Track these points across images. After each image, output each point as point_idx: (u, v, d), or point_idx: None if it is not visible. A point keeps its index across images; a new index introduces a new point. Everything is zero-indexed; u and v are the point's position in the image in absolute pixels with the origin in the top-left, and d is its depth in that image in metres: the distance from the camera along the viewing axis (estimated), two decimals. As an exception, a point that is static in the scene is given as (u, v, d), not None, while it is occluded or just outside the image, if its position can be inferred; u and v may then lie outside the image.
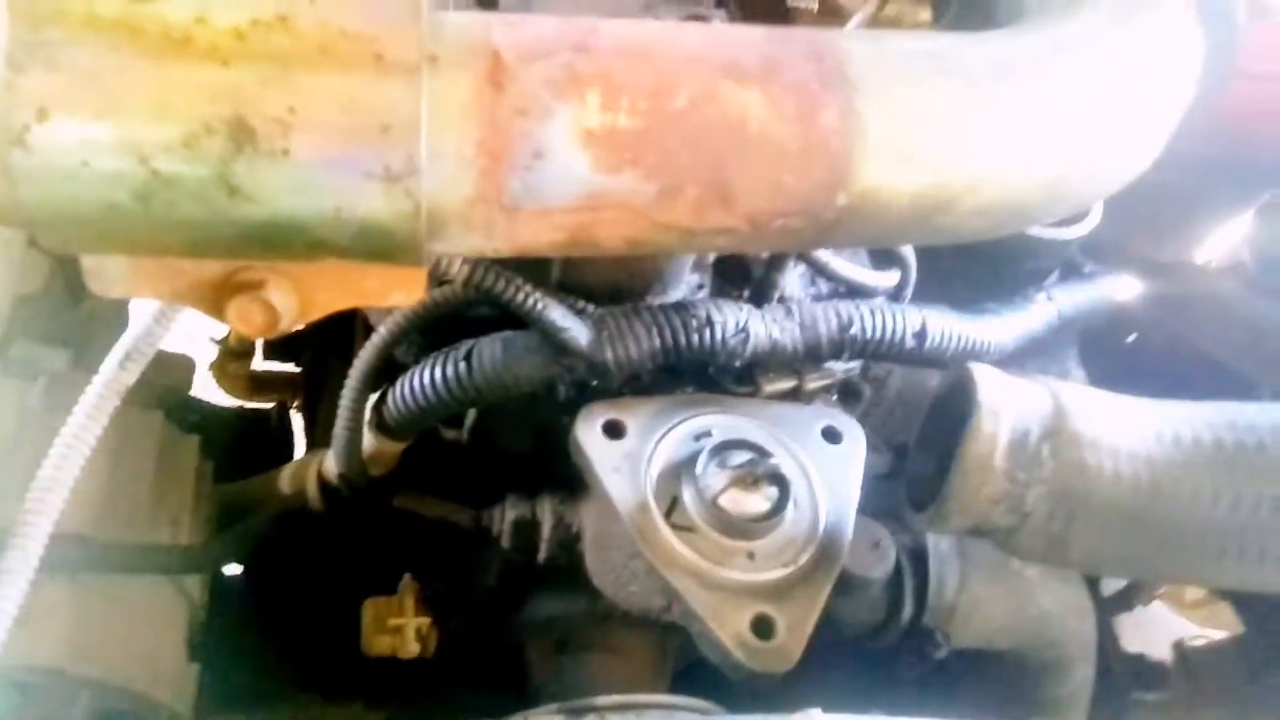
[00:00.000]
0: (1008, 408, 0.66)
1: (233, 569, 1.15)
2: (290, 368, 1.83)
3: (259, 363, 1.86)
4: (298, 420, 1.66)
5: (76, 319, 1.05)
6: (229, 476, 1.13)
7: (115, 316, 1.09)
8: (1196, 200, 1.35)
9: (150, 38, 0.46)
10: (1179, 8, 0.69)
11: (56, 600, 0.81)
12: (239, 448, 1.33)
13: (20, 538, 0.59)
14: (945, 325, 0.84)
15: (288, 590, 1.09)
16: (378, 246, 0.53)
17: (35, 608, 0.79)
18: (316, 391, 1.45)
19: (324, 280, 0.57)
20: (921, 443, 0.75)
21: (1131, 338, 1.36)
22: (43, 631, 0.78)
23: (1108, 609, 1.31)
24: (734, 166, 0.54)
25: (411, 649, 0.95)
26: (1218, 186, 1.31)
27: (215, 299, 0.56)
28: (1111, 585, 1.33)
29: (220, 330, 1.85)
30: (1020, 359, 0.98)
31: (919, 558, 0.96)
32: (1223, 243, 1.39)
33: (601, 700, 0.79)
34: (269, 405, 1.68)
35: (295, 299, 0.57)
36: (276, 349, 1.76)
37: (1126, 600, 1.32)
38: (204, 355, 1.81)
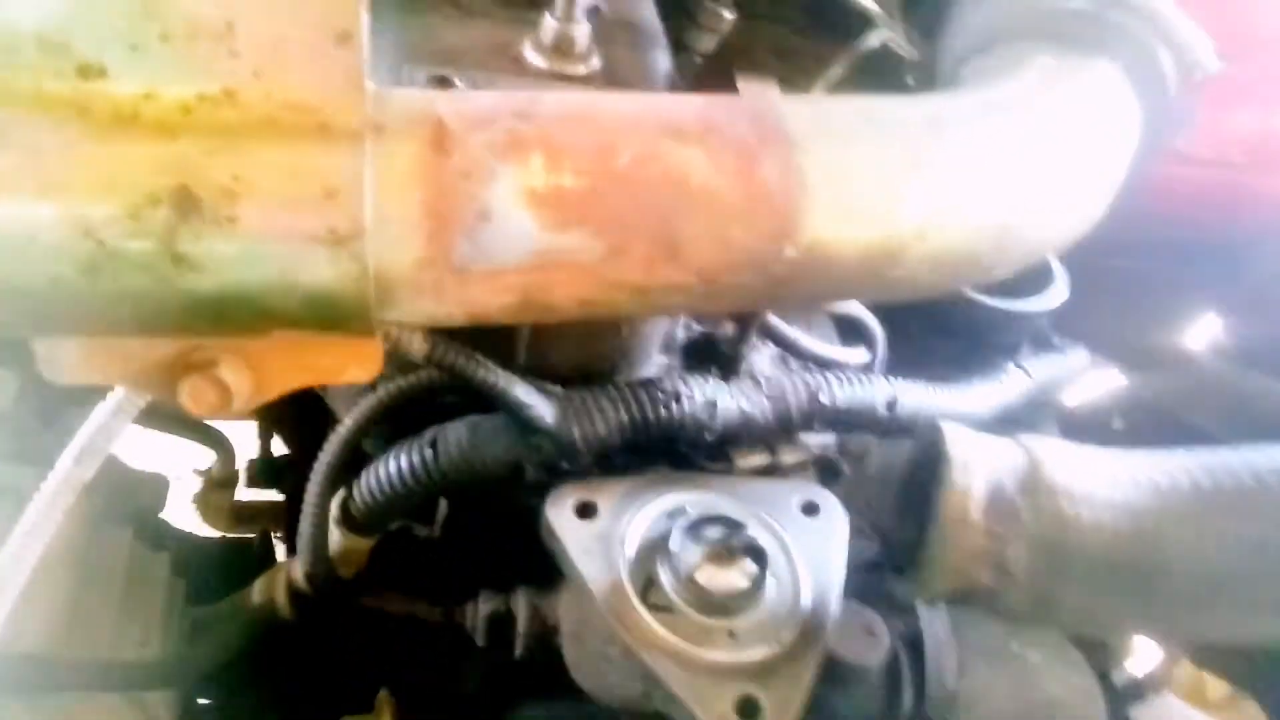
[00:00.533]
0: (979, 461, 0.65)
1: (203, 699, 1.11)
2: (275, 496, 1.81)
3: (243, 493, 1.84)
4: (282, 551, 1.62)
5: (49, 441, 1.04)
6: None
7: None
8: (1171, 285, 1.37)
9: (98, 115, 0.47)
10: (1109, 72, 0.72)
11: (9, 723, 0.77)
12: (220, 578, 1.30)
13: (-38, 641, 0.57)
14: (917, 394, 0.84)
15: (262, 713, 1.04)
16: (327, 314, 0.53)
17: (-14, 731, 0.75)
18: (298, 515, 1.42)
19: (278, 358, 0.57)
20: (901, 510, 0.73)
21: (1119, 424, 1.36)
22: (-8, 757, 0.74)
23: (1122, 700, 1.26)
24: (680, 221, 0.55)
25: (390, 769, 0.91)
26: (1189, 271, 1.33)
27: (168, 380, 0.56)
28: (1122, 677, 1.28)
29: (203, 461, 1.84)
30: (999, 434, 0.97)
31: (915, 644, 0.92)
32: (1203, 326, 1.40)
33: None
34: (251, 536, 1.65)
35: (249, 378, 0.57)
36: (259, 477, 1.75)
37: (1139, 690, 1.27)
38: (185, 488, 1.79)
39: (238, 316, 0.52)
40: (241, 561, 1.51)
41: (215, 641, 0.91)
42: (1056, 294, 1.03)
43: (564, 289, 0.56)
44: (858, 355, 0.90)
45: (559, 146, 0.54)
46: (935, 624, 0.95)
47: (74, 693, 0.82)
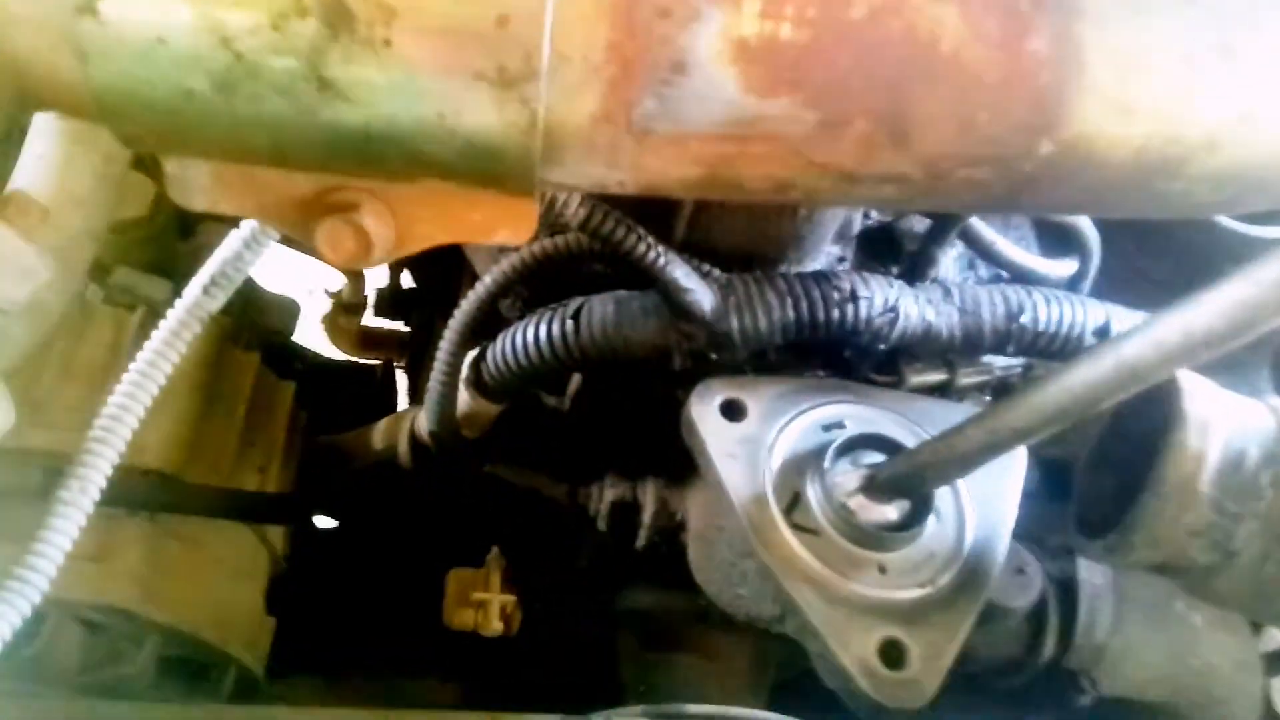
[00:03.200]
0: (1220, 423, 0.55)
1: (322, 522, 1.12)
2: (401, 327, 1.80)
3: (370, 319, 1.84)
4: (403, 381, 1.63)
5: (184, 252, 1.02)
6: (327, 429, 1.09)
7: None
8: None
9: (241, -101, 0.39)
10: None
11: (132, 539, 0.78)
12: (340, 401, 1.30)
13: (82, 467, 0.54)
14: (1133, 324, 0.72)
15: (372, 550, 1.05)
16: (486, 166, 0.45)
17: (109, 545, 0.75)
18: (422, 351, 1.41)
19: (425, 208, 0.50)
20: (1099, 457, 0.63)
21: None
22: (114, 570, 0.75)
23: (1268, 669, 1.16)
24: (916, 96, 0.44)
25: (495, 627, 0.89)
26: None
27: (303, 220, 0.50)
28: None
29: (335, 283, 1.84)
30: (1206, 373, 0.84)
31: (1068, 590, 0.84)
32: None
33: (692, 708, 0.71)
34: (376, 362, 1.66)
35: (391, 227, 0.50)
36: (386, 307, 1.74)
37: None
38: (314, 308, 1.80)
39: (385, 159, 0.45)
40: (363, 388, 1.52)
41: (336, 481, 0.89)
42: (1309, 221, 0.87)
43: (759, 166, 0.47)
44: (1064, 268, 0.77)
45: (782, -12, 0.43)
46: (1094, 571, 0.87)
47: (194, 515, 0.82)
